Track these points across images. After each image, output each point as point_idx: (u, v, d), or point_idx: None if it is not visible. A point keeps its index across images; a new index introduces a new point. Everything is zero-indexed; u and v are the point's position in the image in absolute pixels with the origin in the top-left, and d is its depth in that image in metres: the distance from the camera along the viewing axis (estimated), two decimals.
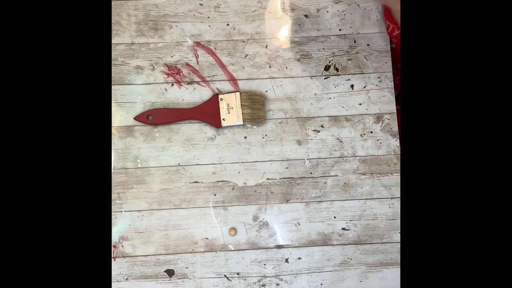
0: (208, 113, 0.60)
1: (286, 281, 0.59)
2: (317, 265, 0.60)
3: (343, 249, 0.60)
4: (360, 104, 0.63)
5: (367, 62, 0.64)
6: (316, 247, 0.60)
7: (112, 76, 0.62)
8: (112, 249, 0.59)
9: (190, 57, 0.63)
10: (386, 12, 0.63)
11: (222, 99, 0.60)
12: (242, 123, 0.60)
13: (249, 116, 0.60)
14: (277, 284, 0.59)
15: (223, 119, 0.60)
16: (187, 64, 0.63)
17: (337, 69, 0.63)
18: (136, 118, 0.60)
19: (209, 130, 0.61)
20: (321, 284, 0.59)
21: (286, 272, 0.59)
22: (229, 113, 0.60)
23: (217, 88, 0.62)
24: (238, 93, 0.61)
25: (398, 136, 0.62)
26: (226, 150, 0.61)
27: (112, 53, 0.62)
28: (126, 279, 0.58)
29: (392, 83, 0.63)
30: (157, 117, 0.60)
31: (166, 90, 0.62)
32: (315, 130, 0.62)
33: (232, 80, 0.62)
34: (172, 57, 0.63)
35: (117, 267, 0.59)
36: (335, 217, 0.60)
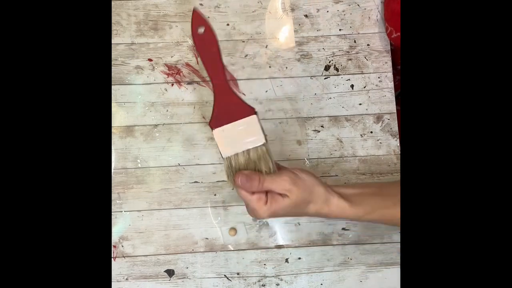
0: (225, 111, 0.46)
1: (286, 281, 0.59)
2: (317, 265, 0.60)
3: (343, 249, 0.60)
4: (360, 104, 0.63)
5: (367, 62, 0.64)
6: (316, 247, 0.60)
7: (112, 76, 0.62)
8: (112, 249, 0.59)
9: (190, 57, 0.63)
10: (386, 14, 0.63)
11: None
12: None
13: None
14: (277, 284, 0.59)
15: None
16: (187, 64, 0.63)
17: (337, 69, 0.63)
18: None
19: (209, 130, 0.61)
20: (321, 284, 0.59)
21: (286, 272, 0.59)
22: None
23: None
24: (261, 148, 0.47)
25: (398, 136, 0.62)
26: None
27: (112, 53, 0.62)
28: (126, 279, 0.58)
29: (392, 83, 0.63)
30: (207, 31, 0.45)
31: (166, 90, 0.62)
32: (315, 130, 0.62)
33: (232, 80, 0.62)
34: (172, 57, 0.63)
35: (117, 267, 0.59)
36: None
